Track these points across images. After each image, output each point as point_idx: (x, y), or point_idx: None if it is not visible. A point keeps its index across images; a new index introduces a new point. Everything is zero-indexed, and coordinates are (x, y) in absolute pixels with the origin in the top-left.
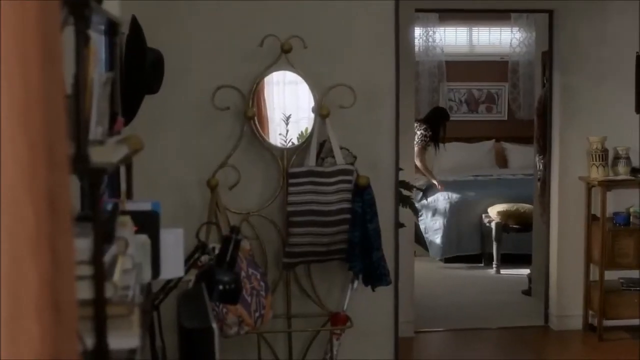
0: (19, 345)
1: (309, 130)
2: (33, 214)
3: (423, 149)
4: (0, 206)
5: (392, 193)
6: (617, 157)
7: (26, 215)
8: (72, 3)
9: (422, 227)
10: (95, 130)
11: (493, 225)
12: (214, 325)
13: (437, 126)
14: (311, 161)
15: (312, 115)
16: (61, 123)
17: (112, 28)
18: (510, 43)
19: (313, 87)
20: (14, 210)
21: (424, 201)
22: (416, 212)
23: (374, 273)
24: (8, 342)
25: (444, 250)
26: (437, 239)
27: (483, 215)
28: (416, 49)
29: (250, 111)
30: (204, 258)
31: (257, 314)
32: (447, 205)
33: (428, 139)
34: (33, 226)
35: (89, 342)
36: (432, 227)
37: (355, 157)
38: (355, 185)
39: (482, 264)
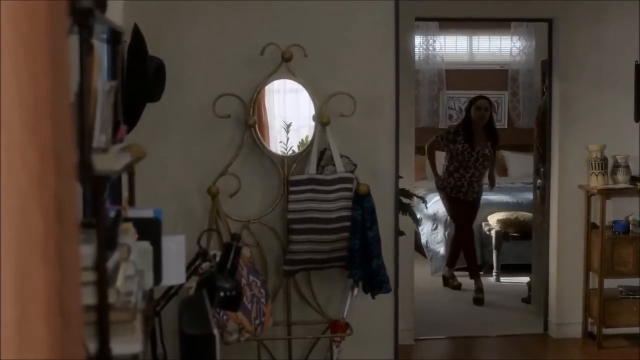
0: (27, 349)
1: (310, 138)
2: (42, 220)
3: (439, 146)
4: (10, 212)
5: (392, 201)
6: (616, 166)
7: (35, 222)
8: (77, 12)
9: (423, 240)
10: (99, 138)
11: (493, 233)
12: (215, 332)
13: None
14: (311, 169)
15: (313, 123)
16: (68, 131)
17: (114, 36)
18: (510, 52)
19: (313, 95)
20: (24, 216)
21: (426, 210)
22: (416, 220)
23: (374, 280)
24: (16, 346)
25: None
26: (441, 250)
27: (483, 224)
28: (416, 57)
29: (251, 119)
30: (205, 265)
31: (257, 321)
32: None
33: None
34: (42, 232)
35: (92, 347)
36: (434, 239)
37: (355, 165)
38: (356, 193)
39: (482, 272)
